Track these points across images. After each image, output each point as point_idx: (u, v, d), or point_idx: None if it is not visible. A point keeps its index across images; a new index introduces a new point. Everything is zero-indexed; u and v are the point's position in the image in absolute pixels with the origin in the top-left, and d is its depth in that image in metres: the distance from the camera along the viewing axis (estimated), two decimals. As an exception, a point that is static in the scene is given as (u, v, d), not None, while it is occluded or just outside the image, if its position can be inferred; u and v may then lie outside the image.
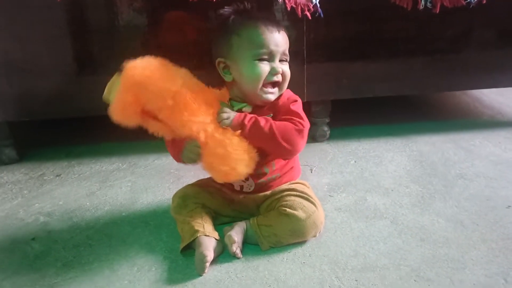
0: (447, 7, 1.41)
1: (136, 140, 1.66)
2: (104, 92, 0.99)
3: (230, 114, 0.99)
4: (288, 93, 1.08)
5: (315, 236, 1.05)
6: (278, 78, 1.01)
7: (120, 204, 1.24)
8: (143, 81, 0.93)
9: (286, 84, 1.04)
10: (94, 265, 0.99)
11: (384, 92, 1.60)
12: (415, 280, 0.92)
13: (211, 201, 1.10)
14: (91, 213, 1.21)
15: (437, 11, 1.40)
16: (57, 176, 1.42)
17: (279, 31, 1.00)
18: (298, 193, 1.05)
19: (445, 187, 1.28)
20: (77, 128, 1.79)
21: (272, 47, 0.99)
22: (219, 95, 1.05)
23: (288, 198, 1.04)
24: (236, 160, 0.94)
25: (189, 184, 1.14)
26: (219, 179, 0.98)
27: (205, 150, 0.95)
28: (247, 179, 1.07)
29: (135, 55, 1.43)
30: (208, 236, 1.00)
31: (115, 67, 1.45)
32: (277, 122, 1.00)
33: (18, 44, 1.38)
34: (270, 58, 1.00)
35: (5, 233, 1.14)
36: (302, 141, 1.01)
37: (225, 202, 1.12)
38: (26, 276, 0.97)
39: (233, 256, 1.00)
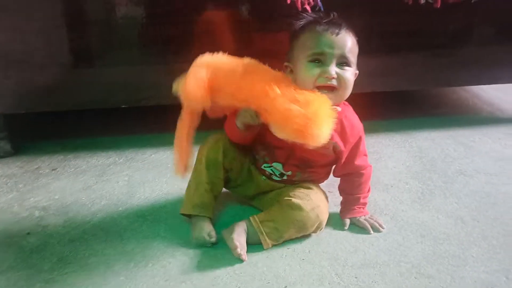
0: (448, 2, 1.40)
1: (133, 134, 1.64)
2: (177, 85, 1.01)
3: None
4: (353, 117, 1.05)
5: (315, 232, 1.04)
6: (331, 82, 0.96)
7: (117, 199, 1.23)
8: (215, 60, 1.00)
9: (345, 92, 0.99)
10: (90, 260, 0.98)
11: (384, 87, 1.58)
12: (415, 277, 0.91)
13: (238, 171, 1.12)
14: (87, 207, 1.19)
15: (438, 6, 1.39)
16: (53, 170, 1.40)
17: (337, 34, 0.96)
18: (307, 186, 1.07)
19: (445, 183, 1.28)
20: (73, 122, 1.77)
21: (325, 49, 0.95)
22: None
23: (295, 190, 1.05)
24: (310, 119, 0.88)
25: (228, 142, 1.10)
26: (291, 137, 0.90)
27: (275, 108, 0.90)
28: (282, 174, 1.09)
29: (133, 47, 1.43)
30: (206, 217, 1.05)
31: (113, 60, 1.45)
32: (363, 186, 1.09)
33: (15, 35, 1.36)
34: (324, 60, 0.96)
35: (0, 227, 1.12)
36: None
37: (249, 177, 1.14)
38: (21, 271, 0.95)
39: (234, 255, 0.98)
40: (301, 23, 1.02)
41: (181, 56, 1.42)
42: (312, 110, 0.88)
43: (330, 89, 0.97)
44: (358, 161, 1.06)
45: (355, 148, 1.05)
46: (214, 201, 1.09)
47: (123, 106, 1.50)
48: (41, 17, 1.35)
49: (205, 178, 1.07)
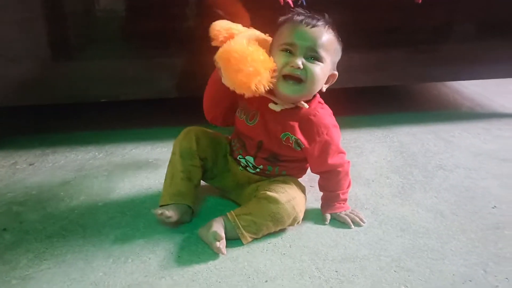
0: (430, -2, 1.41)
1: (113, 128, 1.62)
2: None
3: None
4: (325, 117, 1.04)
5: (292, 225, 1.04)
6: (297, 72, 0.96)
7: (96, 194, 1.21)
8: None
9: (312, 86, 0.98)
10: (68, 257, 0.96)
11: (366, 83, 1.59)
12: (395, 271, 0.92)
13: (213, 160, 1.13)
14: (65, 203, 1.17)
15: (420, 2, 1.39)
16: (30, 164, 1.37)
17: (312, 26, 0.96)
18: (283, 181, 1.06)
19: (425, 177, 1.29)
20: (51, 116, 1.74)
21: (295, 40, 0.95)
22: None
23: (271, 183, 1.05)
24: (252, 68, 0.91)
25: (205, 131, 1.13)
26: (233, 85, 0.94)
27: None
28: (255, 167, 1.09)
29: (112, 41, 1.41)
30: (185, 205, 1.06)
31: (92, 53, 1.42)
32: (342, 183, 1.09)
33: (-11, 27, 1.33)
34: (294, 51, 0.96)
35: (-25, 223, 1.09)
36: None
37: (225, 167, 1.14)
38: (-4, 267, 0.94)
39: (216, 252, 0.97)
40: (286, 16, 1.01)
41: (161, 50, 1.41)
42: (240, 53, 0.92)
43: (296, 79, 0.96)
44: (332, 160, 1.05)
45: (326, 148, 1.04)
46: (194, 190, 1.09)
47: (102, 101, 1.47)
48: (18, 8, 1.32)
49: (179, 167, 1.07)
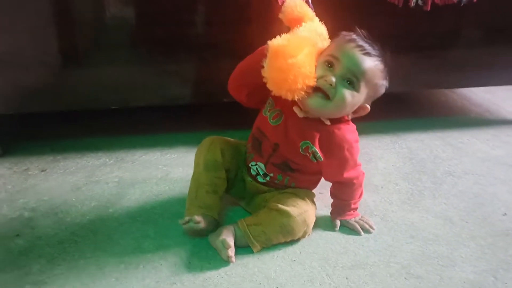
0: (438, 5, 1.41)
1: (123, 134, 1.63)
2: None
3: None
4: (348, 133, 1.03)
5: (303, 237, 1.04)
6: (326, 87, 0.93)
7: (107, 200, 1.22)
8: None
9: (335, 107, 0.95)
10: (80, 262, 0.97)
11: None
12: (405, 278, 0.92)
13: (235, 171, 1.13)
14: (76, 209, 1.18)
15: (428, 9, 1.40)
16: (42, 171, 1.39)
17: (363, 53, 0.93)
18: (294, 192, 1.06)
19: (434, 184, 1.29)
20: (62, 122, 1.76)
21: (341, 56, 0.93)
22: None
23: (282, 195, 1.05)
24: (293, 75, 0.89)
25: (227, 140, 1.13)
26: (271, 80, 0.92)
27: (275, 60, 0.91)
28: (266, 174, 1.08)
29: (122, 48, 1.42)
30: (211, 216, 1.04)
31: (102, 60, 1.44)
32: (354, 194, 1.09)
33: (1, 35, 1.35)
34: (335, 66, 0.93)
35: (-12, 229, 1.11)
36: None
37: (242, 176, 1.14)
38: (9, 273, 0.95)
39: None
40: (347, 33, 0.99)
41: (170, 57, 1.43)
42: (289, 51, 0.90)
43: (324, 93, 0.94)
44: (347, 174, 1.04)
45: (343, 163, 1.03)
46: (219, 203, 1.08)
47: (112, 107, 1.49)
48: (28, 16, 1.34)
49: (204, 180, 1.06)
